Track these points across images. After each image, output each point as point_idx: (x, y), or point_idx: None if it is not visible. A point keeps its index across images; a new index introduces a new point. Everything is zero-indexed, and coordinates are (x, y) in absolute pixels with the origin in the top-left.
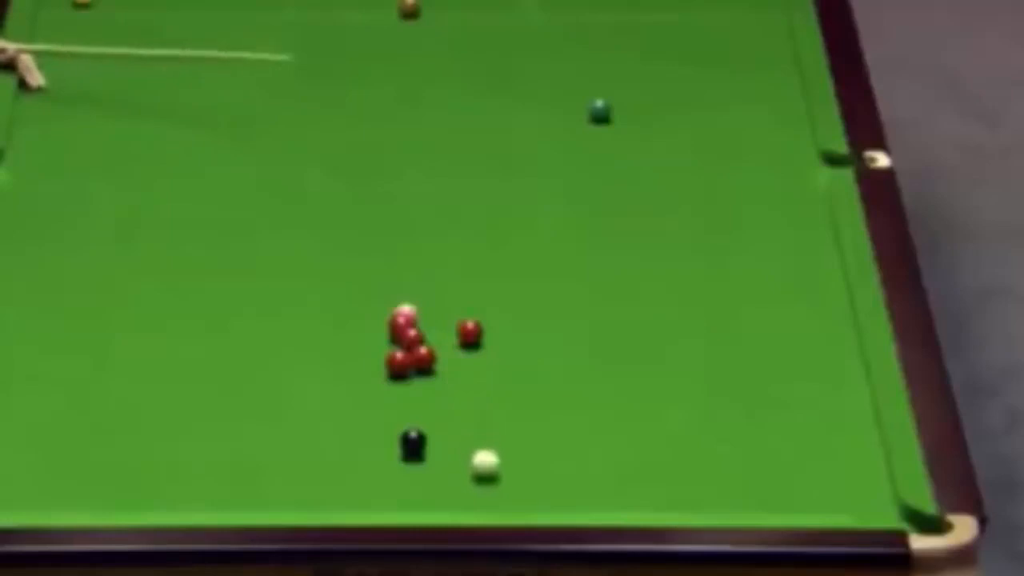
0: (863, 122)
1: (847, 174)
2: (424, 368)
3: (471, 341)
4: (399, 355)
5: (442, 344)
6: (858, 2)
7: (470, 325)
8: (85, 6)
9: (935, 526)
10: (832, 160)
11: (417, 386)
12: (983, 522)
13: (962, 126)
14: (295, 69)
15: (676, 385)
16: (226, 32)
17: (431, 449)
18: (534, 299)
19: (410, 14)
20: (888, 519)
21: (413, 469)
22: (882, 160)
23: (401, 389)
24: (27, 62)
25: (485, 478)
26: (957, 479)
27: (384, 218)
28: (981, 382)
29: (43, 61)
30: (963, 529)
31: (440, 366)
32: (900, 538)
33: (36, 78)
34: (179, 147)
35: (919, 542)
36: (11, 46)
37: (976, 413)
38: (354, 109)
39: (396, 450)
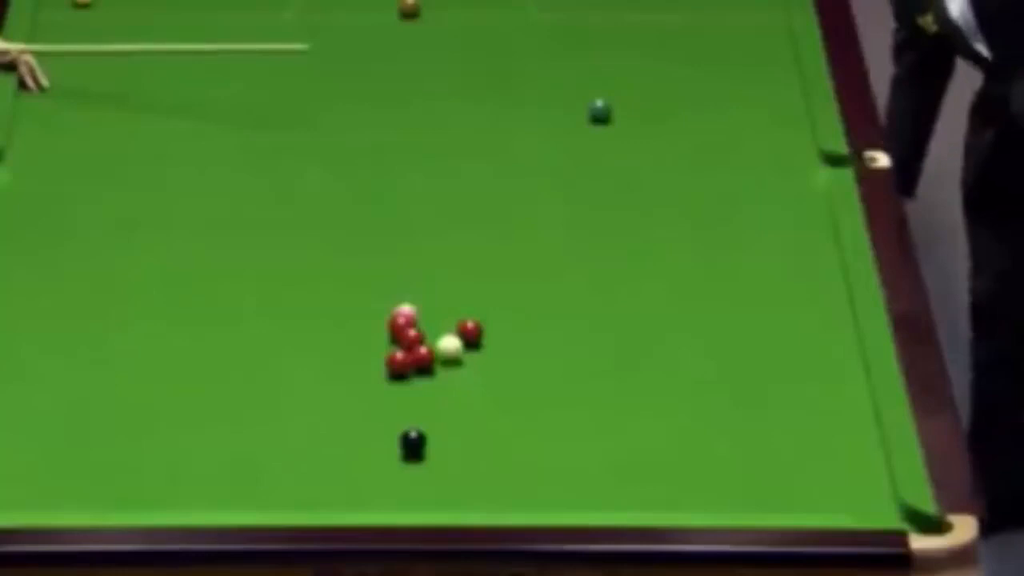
0: (863, 122)
1: (847, 174)
2: (424, 368)
3: (471, 341)
4: (399, 355)
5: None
6: (858, 3)
7: (470, 325)
8: (85, 6)
9: (935, 526)
10: (832, 160)
11: (417, 386)
12: (983, 522)
13: (962, 125)
14: (295, 69)
15: (676, 385)
16: (226, 32)
17: (431, 449)
18: (534, 299)
19: (410, 14)
20: (888, 519)
21: (413, 469)
22: (882, 160)
23: (401, 389)
24: (31, 63)
25: (450, 362)
26: (957, 479)
27: (384, 218)
28: None
29: (43, 61)
30: (963, 529)
31: (440, 366)
32: (900, 538)
33: (40, 80)
34: (179, 147)
35: (919, 542)
36: (13, 47)
37: None
38: (354, 109)
39: (396, 450)
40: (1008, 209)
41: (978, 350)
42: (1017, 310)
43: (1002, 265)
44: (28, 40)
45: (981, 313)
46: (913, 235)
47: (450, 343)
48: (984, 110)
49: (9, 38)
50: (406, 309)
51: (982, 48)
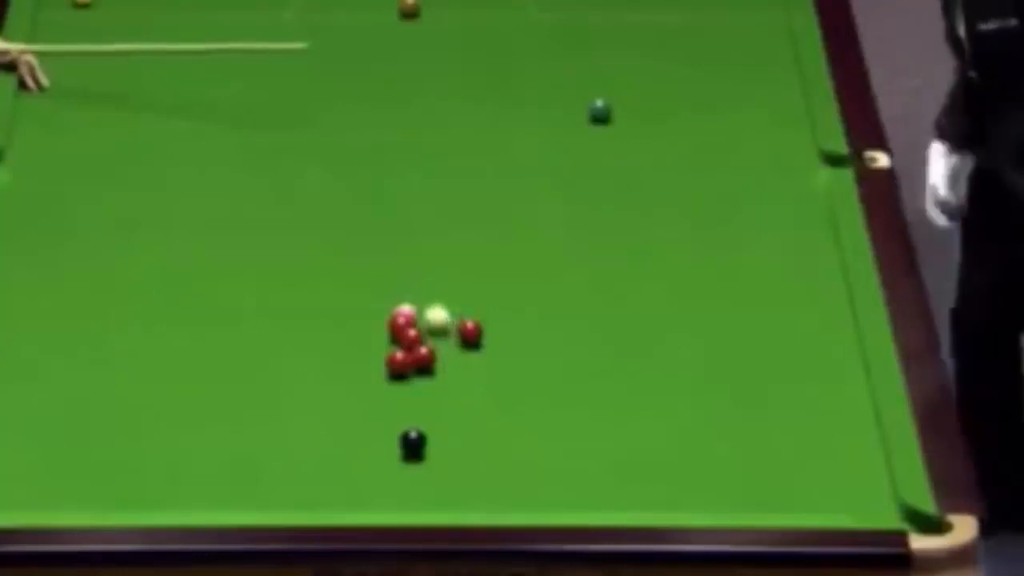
0: (863, 122)
1: (847, 174)
2: (424, 368)
3: (471, 341)
4: (399, 355)
5: (442, 344)
6: (858, 3)
7: (470, 325)
8: (85, 6)
9: (935, 526)
10: (832, 160)
11: (417, 386)
12: (983, 522)
13: None
14: (295, 70)
15: (676, 385)
16: (226, 33)
17: (431, 449)
18: (534, 299)
19: (410, 14)
20: (888, 519)
21: (413, 469)
22: (882, 160)
23: (401, 389)
24: (31, 63)
25: (437, 332)
26: (957, 479)
27: (384, 218)
28: None
29: (43, 61)
30: (963, 529)
31: (440, 366)
32: (900, 538)
33: (40, 80)
34: (179, 147)
35: (919, 542)
36: (13, 47)
37: None
38: (354, 109)
39: (396, 450)
40: (992, 230)
41: (956, 362)
42: (984, 324)
43: (980, 281)
44: (28, 40)
45: (955, 324)
46: (914, 235)
47: (438, 315)
48: None
49: (9, 38)
50: (406, 309)
51: (975, 76)
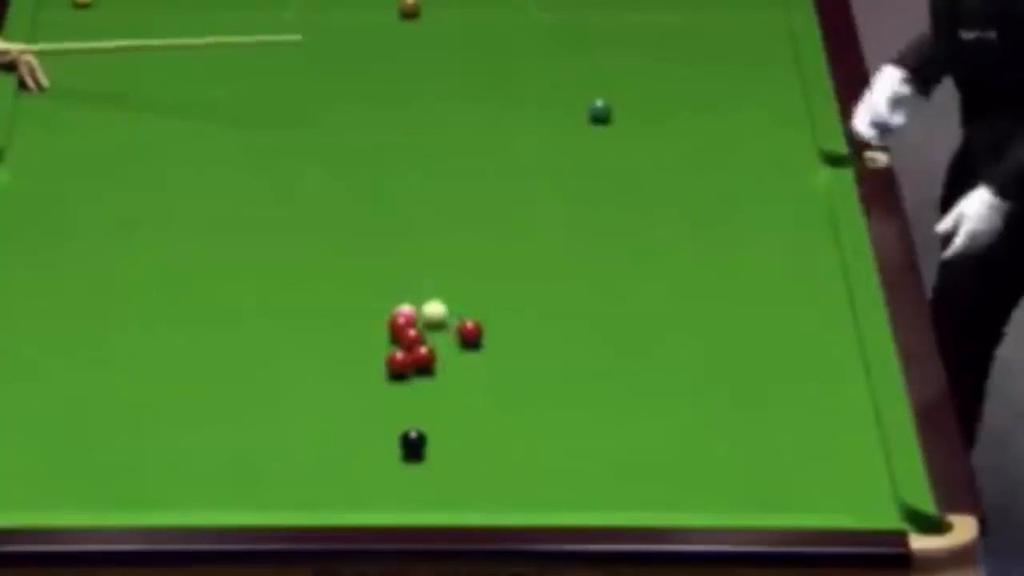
0: None
1: (847, 174)
2: (424, 368)
3: (471, 341)
4: (399, 355)
5: (442, 344)
6: (858, 3)
7: (470, 325)
8: (85, 6)
9: (935, 526)
10: (832, 160)
11: (417, 386)
12: (983, 522)
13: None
14: (295, 70)
15: (676, 385)
16: (226, 32)
17: (431, 449)
18: (534, 299)
19: (410, 14)
20: (888, 519)
21: (413, 469)
22: (882, 160)
23: (401, 389)
24: (31, 63)
25: (434, 326)
26: (957, 479)
27: (384, 218)
28: None
29: (43, 61)
30: (963, 529)
31: (440, 366)
32: (900, 538)
33: (40, 80)
34: (179, 147)
35: (919, 542)
36: (13, 47)
37: None
38: (353, 109)
39: (396, 450)
40: None
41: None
42: (964, 325)
43: (962, 284)
44: (28, 40)
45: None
46: (913, 235)
47: (435, 309)
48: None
49: (9, 38)
50: (406, 309)
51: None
